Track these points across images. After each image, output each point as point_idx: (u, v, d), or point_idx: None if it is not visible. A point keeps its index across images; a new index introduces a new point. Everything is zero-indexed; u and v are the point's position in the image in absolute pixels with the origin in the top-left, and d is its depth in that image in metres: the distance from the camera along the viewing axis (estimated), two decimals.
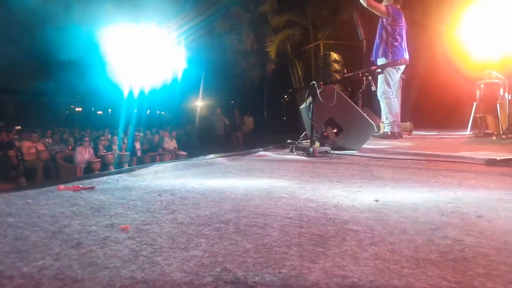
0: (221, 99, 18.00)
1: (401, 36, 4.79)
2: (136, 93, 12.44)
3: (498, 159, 2.20)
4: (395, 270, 0.70)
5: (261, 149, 3.44)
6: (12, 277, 0.68)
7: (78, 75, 14.32)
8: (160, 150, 11.67)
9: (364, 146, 3.38)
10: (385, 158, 2.59)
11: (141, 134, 12.13)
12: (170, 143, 12.14)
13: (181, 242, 0.86)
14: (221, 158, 2.70)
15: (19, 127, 9.08)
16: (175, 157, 11.35)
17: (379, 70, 3.65)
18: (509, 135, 4.47)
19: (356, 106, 3.31)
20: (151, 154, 11.30)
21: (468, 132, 5.63)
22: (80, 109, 26.51)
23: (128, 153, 10.47)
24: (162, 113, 23.31)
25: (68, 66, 13.56)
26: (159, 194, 1.41)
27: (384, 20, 4.78)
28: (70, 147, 10.43)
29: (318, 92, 3.07)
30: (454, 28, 6.07)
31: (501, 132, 4.69)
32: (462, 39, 5.87)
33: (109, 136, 11.39)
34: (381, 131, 5.02)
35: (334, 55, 8.88)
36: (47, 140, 10.14)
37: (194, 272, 0.69)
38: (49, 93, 17.43)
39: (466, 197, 1.32)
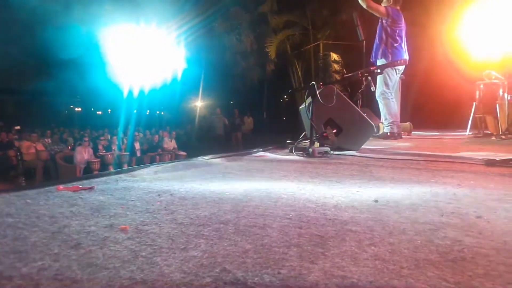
0: (221, 99, 18.01)
1: (400, 37, 4.79)
2: (135, 93, 12.45)
3: (497, 159, 2.20)
4: (395, 270, 0.70)
5: (261, 150, 3.44)
6: (11, 278, 0.67)
7: (77, 75, 14.31)
8: (159, 150, 11.67)
9: (364, 146, 3.38)
10: (384, 159, 2.59)
11: (141, 134, 12.13)
12: (170, 143, 12.14)
13: (181, 243, 0.86)
14: (220, 159, 2.70)
15: (18, 127, 9.07)
16: (174, 157, 11.35)
17: (379, 70, 3.65)
18: (509, 136, 4.48)
19: (355, 107, 3.31)
20: (150, 154, 11.30)
21: (467, 132, 5.64)
22: (79, 109, 26.50)
23: (128, 153, 10.47)
24: (162, 113, 23.31)
25: (67, 66, 13.57)
26: (159, 195, 1.41)
27: (384, 21, 4.79)
28: (69, 147, 10.42)
29: (317, 92, 3.07)
30: (454, 28, 6.07)
31: (500, 133, 4.69)
32: (462, 39, 5.88)
33: (109, 136, 11.39)
34: (381, 132, 5.03)
35: (334, 56, 8.89)
36: (46, 140, 10.14)
37: (194, 272, 0.69)
38: (48, 93, 17.44)
39: (466, 198, 1.32)
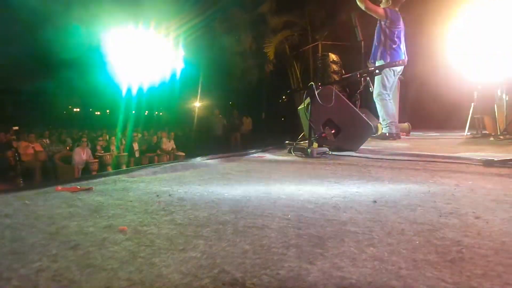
0: (220, 100, 18.00)
1: (399, 38, 4.79)
2: (134, 94, 12.44)
3: (495, 160, 2.20)
4: (393, 271, 0.70)
5: (260, 150, 3.44)
6: (9, 279, 0.67)
7: (76, 76, 14.30)
8: (158, 151, 11.65)
9: (362, 147, 3.38)
10: (383, 159, 2.59)
11: (139, 134, 12.11)
12: (168, 144, 12.13)
13: (179, 244, 0.86)
14: (219, 159, 2.70)
15: (16, 128, 9.05)
16: (173, 158, 11.34)
17: (377, 71, 3.65)
18: (507, 136, 4.49)
19: (354, 107, 3.32)
20: (149, 155, 11.29)
21: (465, 133, 5.65)
22: (78, 109, 26.46)
23: (126, 154, 10.45)
24: (161, 113, 23.30)
25: (66, 67, 13.55)
26: (157, 195, 1.41)
27: (382, 22, 4.79)
28: (68, 148, 10.40)
29: (316, 93, 3.07)
30: (453, 28, 6.09)
31: (498, 133, 4.70)
32: (461, 39, 5.89)
33: (107, 137, 11.36)
34: (379, 132, 5.03)
35: (333, 56, 8.89)
36: (45, 140, 10.10)
37: (192, 273, 0.69)
38: (47, 93, 17.42)
39: (464, 198, 1.32)
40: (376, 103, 4.94)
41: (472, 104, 5.68)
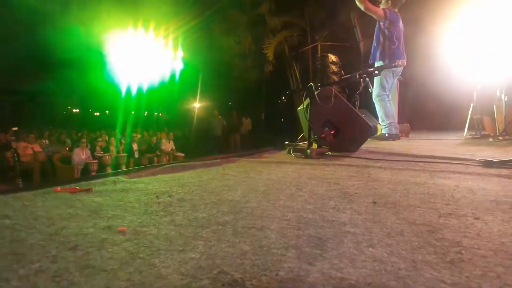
0: (219, 101, 17.99)
1: (398, 39, 4.80)
2: (133, 95, 12.44)
3: (495, 160, 2.21)
4: (393, 271, 0.70)
5: (259, 151, 3.44)
6: (8, 280, 0.67)
7: (75, 76, 14.29)
8: (157, 151, 11.64)
9: (362, 147, 3.39)
10: (382, 160, 2.59)
11: (139, 135, 12.10)
12: (168, 145, 12.12)
13: (179, 244, 0.86)
14: (218, 160, 2.70)
15: (16, 128, 9.02)
16: (172, 158, 11.33)
17: (376, 72, 3.66)
18: (506, 137, 4.50)
19: (353, 108, 3.32)
20: (148, 156, 11.27)
21: (465, 133, 5.65)
22: (77, 110, 26.43)
23: (126, 154, 10.44)
24: (160, 114, 23.29)
25: (65, 67, 13.53)
26: (157, 196, 1.41)
27: (382, 23, 4.80)
28: (67, 148, 10.38)
29: (315, 93, 3.07)
30: (452, 29, 6.10)
31: (497, 134, 4.71)
32: (460, 40, 5.90)
33: (107, 138, 11.35)
34: (379, 133, 5.04)
35: (332, 57, 8.91)
36: (44, 141, 10.09)
37: (191, 274, 0.69)
38: (46, 94, 17.41)
39: (463, 199, 1.32)
40: (375, 104, 4.94)
41: (471, 104, 5.69)
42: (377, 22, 4.87)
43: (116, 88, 12.14)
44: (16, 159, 8.18)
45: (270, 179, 1.84)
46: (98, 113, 26.58)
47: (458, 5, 5.82)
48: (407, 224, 1.02)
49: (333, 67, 8.74)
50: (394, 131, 4.90)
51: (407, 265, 0.73)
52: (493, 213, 1.12)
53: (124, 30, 10.79)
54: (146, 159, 10.99)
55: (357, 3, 4.56)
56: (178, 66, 13.39)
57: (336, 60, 8.99)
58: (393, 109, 5.07)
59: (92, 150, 9.78)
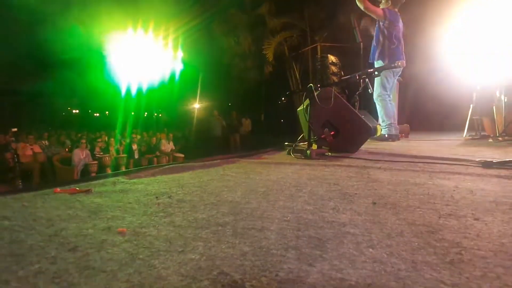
0: (219, 101, 17.99)
1: (398, 39, 4.81)
2: (133, 95, 12.44)
3: (494, 161, 2.21)
4: (393, 272, 0.70)
5: (259, 152, 3.44)
6: (8, 281, 0.67)
7: (75, 77, 14.29)
8: (157, 152, 11.64)
9: (361, 148, 3.39)
10: (382, 161, 2.59)
11: (138, 136, 12.10)
12: (168, 145, 12.12)
13: (178, 245, 0.85)
14: (218, 161, 2.70)
15: (15, 129, 9.02)
16: (172, 159, 11.33)
17: (376, 73, 3.66)
18: (505, 137, 4.49)
19: (353, 109, 3.32)
20: (148, 156, 11.27)
21: (464, 134, 5.65)
22: (77, 111, 26.42)
23: (125, 155, 10.44)
24: (160, 115, 23.28)
25: (65, 68, 13.54)
26: (156, 197, 1.41)
27: (381, 23, 4.80)
28: (67, 149, 10.38)
29: (315, 94, 3.08)
30: (451, 29, 6.10)
31: (497, 134, 4.71)
32: (459, 40, 5.91)
33: (106, 138, 11.35)
34: (378, 134, 5.04)
35: (332, 58, 8.90)
36: (43, 142, 10.09)
37: (191, 275, 0.69)
38: (46, 94, 17.39)
39: (463, 200, 1.32)
40: (377, 104, 4.95)
41: (471, 105, 5.70)
42: (377, 22, 4.88)
43: (116, 89, 12.14)
44: (16, 160, 8.18)
45: (270, 179, 1.84)
46: (97, 114, 26.58)
47: (458, 5, 5.82)
48: (407, 224, 1.02)
49: (333, 68, 8.74)
50: (394, 132, 4.91)
51: (407, 266, 0.73)
52: (492, 214, 1.12)
53: (124, 30, 10.79)
54: (146, 160, 10.99)
55: (357, 2, 4.57)
56: (178, 67, 13.40)
57: (336, 61, 8.98)
58: (394, 109, 5.08)
59: (92, 151, 9.78)
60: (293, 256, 0.79)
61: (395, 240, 0.89)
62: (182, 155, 11.75)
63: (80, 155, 9.18)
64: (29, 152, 8.84)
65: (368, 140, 3.81)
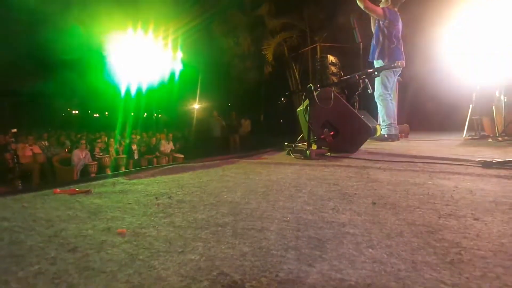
0: (218, 102, 17.99)
1: (397, 38, 4.81)
2: (133, 96, 12.44)
3: (494, 161, 2.21)
4: (392, 273, 0.70)
5: (258, 152, 3.44)
6: (7, 282, 0.67)
7: (75, 78, 14.29)
8: (157, 153, 11.64)
9: (361, 148, 3.39)
10: (381, 161, 2.59)
11: (138, 136, 12.10)
12: (167, 146, 12.12)
13: (178, 246, 0.85)
14: (218, 161, 2.70)
15: (15, 130, 9.02)
16: (172, 159, 11.33)
17: (376, 73, 3.66)
18: (505, 137, 4.50)
19: (353, 109, 3.32)
20: (148, 157, 11.27)
21: (464, 134, 5.66)
22: (76, 111, 26.42)
23: (125, 156, 10.44)
24: (159, 115, 23.29)
25: (65, 68, 13.54)
26: (156, 198, 1.41)
27: (381, 22, 4.81)
28: (66, 150, 10.37)
29: (315, 95, 3.08)
30: (451, 29, 6.11)
31: (497, 134, 4.71)
32: (459, 40, 5.91)
33: (106, 139, 11.35)
34: (378, 134, 5.04)
35: (331, 58, 8.91)
36: (43, 142, 10.08)
37: (191, 276, 0.69)
38: (45, 95, 17.39)
39: (463, 200, 1.32)
40: (378, 104, 4.95)
41: (471, 105, 5.70)
42: (376, 22, 4.88)
43: (115, 89, 12.15)
44: (16, 160, 8.18)
45: (270, 180, 1.84)
46: (97, 115, 26.59)
47: (458, 5, 5.82)
48: (406, 225, 1.02)
49: (333, 68, 8.74)
50: (393, 132, 4.91)
51: (407, 266, 0.73)
52: (492, 214, 1.12)
53: (124, 31, 10.79)
54: (146, 161, 10.99)
55: (357, 1, 4.57)
56: (178, 67, 13.40)
57: (336, 61, 8.99)
58: (394, 109, 5.08)
59: (92, 152, 9.78)
60: (292, 256, 0.79)
61: (394, 240, 0.89)
62: (182, 156, 11.75)
63: (80, 156, 9.18)
64: (29, 153, 8.84)
65: (368, 140, 3.80)
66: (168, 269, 0.72)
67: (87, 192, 1.51)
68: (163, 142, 12.07)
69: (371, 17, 5.04)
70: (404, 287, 0.64)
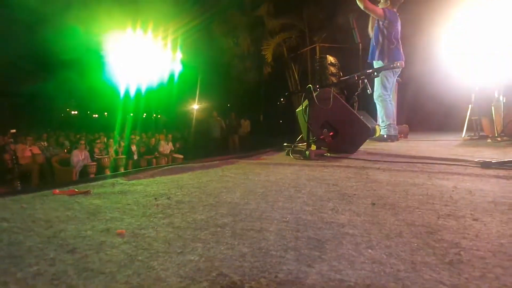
0: (218, 102, 18.00)
1: (397, 39, 4.81)
2: (132, 96, 12.44)
3: (493, 161, 2.21)
4: (392, 273, 0.70)
5: (258, 153, 3.44)
6: (6, 283, 0.67)
7: (74, 78, 14.29)
8: (156, 153, 11.64)
9: (360, 149, 3.39)
10: (381, 161, 2.59)
11: (137, 137, 12.09)
12: (166, 147, 12.12)
13: (177, 247, 0.85)
14: (217, 162, 2.70)
15: (14, 130, 9.01)
16: (171, 160, 11.32)
17: (375, 73, 3.66)
18: (504, 138, 4.50)
19: (352, 109, 3.32)
20: (147, 158, 11.26)
21: (463, 134, 5.66)
22: (76, 112, 26.42)
23: (124, 156, 10.43)
24: (159, 116, 23.29)
25: (64, 69, 13.53)
26: (155, 198, 1.41)
27: (381, 23, 4.81)
28: (65, 151, 10.37)
29: (314, 95, 3.08)
30: (450, 29, 6.12)
31: (496, 135, 4.71)
32: (458, 40, 5.92)
33: (105, 139, 11.34)
34: (377, 134, 5.04)
35: (330, 58, 8.92)
36: (42, 143, 10.08)
37: (190, 277, 0.69)
38: (45, 96, 17.38)
39: (462, 200, 1.32)
40: (377, 104, 4.95)
41: (470, 106, 5.71)
42: (376, 22, 4.88)
43: (114, 90, 12.14)
44: (15, 161, 8.17)
45: (269, 180, 1.84)
46: (96, 115, 26.58)
47: (458, 5, 5.83)
48: (406, 225, 1.02)
49: (332, 69, 8.76)
50: (393, 132, 4.91)
51: (406, 266, 0.73)
52: (491, 214, 1.12)
53: (123, 31, 10.79)
54: (145, 161, 10.98)
55: (357, 1, 4.57)
56: (177, 68, 13.41)
57: (335, 61, 9.01)
58: (394, 110, 5.09)
59: (91, 152, 9.77)
60: (292, 257, 0.79)
61: (394, 241, 0.89)
62: (181, 156, 11.75)
63: (79, 156, 9.17)
64: (28, 153, 8.83)
65: (367, 140, 3.81)
66: (167, 270, 0.72)
67: (86, 192, 1.51)
68: (162, 142, 12.06)
69: (370, 19, 5.04)
70: None
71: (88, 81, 13.76)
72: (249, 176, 2.02)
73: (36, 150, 9.12)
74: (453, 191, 1.50)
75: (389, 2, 4.83)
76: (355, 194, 1.45)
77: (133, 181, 1.82)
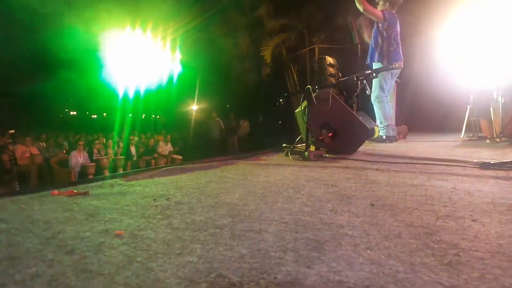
0: (217, 103, 17.99)
1: (396, 41, 4.81)
2: (131, 97, 12.42)
3: (492, 162, 2.21)
4: (391, 274, 0.70)
5: (257, 153, 3.44)
6: (4, 285, 0.67)
7: (73, 79, 14.27)
8: (155, 154, 11.62)
9: (359, 149, 3.39)
10: (380, 162, 2.60)
11: (136, 138, 12.08)
12: (165, 147, 12.11)
13: (176, 248, 0.85)
14: (216, 163, 2.70)
15: (12, 131, 8.99)
16: (170, 161, 11.31)
17: (374, 74, 3.66)
18: (503, 139, 4.51)
19: (351, 110, 3.32)
20: (146, 158, 11.25)
21: (462, 135, 5.67)
22: (74, 112, 26.38)
23: (123, 157, 10.42)
24: (158, 117, 23.27)
25: (63, 69, 13.52)
26: (154, 199, 1.41)
27: (380, 25, 4.81)
28: (64, 151, 10.35)
29: (313, 96, 3.08)
30: (449, 30, 6.13)
31: (494, 136, 4.72)
32: (457, 41, 5.92)
33: (104, 140, 11.32)
34: (376, 135, 5.04)
35: (329, 59, 8.92)
36: (41, 144, 10.06)
37: (189, 278, 0.69)
38: (43, 96, 17.36)
39: (461, 201, 1.32)
40: (374, 106, 4.96)
41: (468, 106, 5.72)
42: (375, 24, 4.88)
43: (113, 91, 12.13)
44: (13, 162, 8.16)
45: (268, 181, 1.84)
46: (95, 116, 26.54)
47: (456, 6, 5.84)
48: (404, 226, 1.02)
49: (331, 69, 8.75)
50: (391, 133, 4.91)
51: (405, 267, 0.73)
52: (490, 215, 1.13)
53: (123, 32, 10.78)
54: (144, 162, 10.96)
55: (357, 4, 4.57)
56: (176, 68, 13.40)
57: (334, 62, 9.00)
58: (392, 111, 5.09)
59: (90, 153, 9.75)
60: (291, 258, 0.79)
61: (393, 242, 0.89)
62: (180, 157, 11.73)
63: (78, 157, 9.15)
64: (27, 154, 8.81)
65: (366, 141, 3.81)
66: (166, 271, 0.72)
67: (85, 193, 1.51)
68: (161, 143, 12.05)
69: (364, 28, 5.04)
70: None
71: (87, 82, 13.75)
72: (248, 177, 2.02)
73: (34, 151, 9.11)
74: (452, 192, 1.50)
75: (387, 4, 4.83)
76: (354, 195, 1.45)
77: (132, 182, 1.82)
